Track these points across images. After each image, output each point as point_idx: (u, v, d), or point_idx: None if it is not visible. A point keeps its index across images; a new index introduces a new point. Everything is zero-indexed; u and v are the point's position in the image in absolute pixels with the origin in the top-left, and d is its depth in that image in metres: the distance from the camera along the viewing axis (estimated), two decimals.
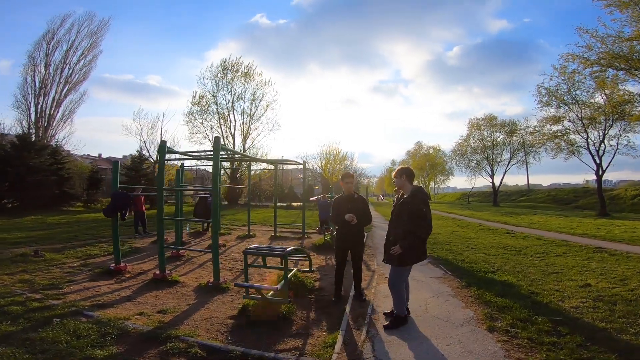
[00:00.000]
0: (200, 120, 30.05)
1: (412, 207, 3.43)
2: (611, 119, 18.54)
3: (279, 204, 31.53)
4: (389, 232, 3.72)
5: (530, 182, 47.73)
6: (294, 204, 30.04)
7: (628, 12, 13.14)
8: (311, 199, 16.08)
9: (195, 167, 30.80)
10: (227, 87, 30.72)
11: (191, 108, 30.08)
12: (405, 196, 3.58)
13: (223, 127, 30.75)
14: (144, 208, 10.66)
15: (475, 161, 35.31)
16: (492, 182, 34.63)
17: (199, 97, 30.24)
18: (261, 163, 22.30)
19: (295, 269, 5.24)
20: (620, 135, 19.32)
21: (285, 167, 41.00)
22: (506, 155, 33.91)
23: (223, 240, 9.92)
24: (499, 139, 34.09)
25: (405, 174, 3.64)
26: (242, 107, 31.23)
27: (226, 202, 31.26)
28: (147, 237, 10.49)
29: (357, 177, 51.28)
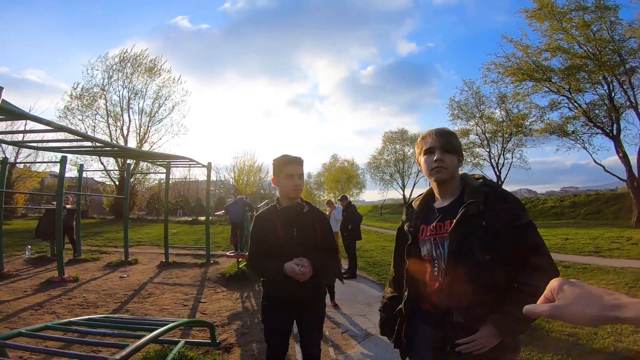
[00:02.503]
0: (81, 118, 24.00)
1: (513, 225, 1.25)
2: (510, 133, 20.22)
3: (182, 219, 27.19)
4: (427, 294, 1.39)
5: None
6: (202, 218, 25.96)
7: (546, 24, 14.17)
8: (216, 213, 12.73)
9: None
10: (124, 82, 25.39)
11: (70, 103, 23.79)
12: (471, 200, 1.30)
13: (112, 127, 25.13)
14: None
15: (388, 174, 36.61)
16: (403, 194, 36.18)
17: (82, 89, 24.15)
18: (157, 167, 18.40)
19: (181, 342, 2.77)
20: (514, 149, 21.34)
21: (191, 176, 36.46)
22: (415, 168, 35.65)
23: (79, 270, 6.58)
24: (409, 153, 35.80)
25: (452, 141, 1.41)
26: (140, 105, 26.09)
27: (112, 217, 25.51)
28: None
29: (271, 190, 48.77)
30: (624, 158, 14.19)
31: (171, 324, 2.02)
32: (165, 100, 26.77)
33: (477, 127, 21.99)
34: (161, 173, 19.97)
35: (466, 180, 1.41)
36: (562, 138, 16.58)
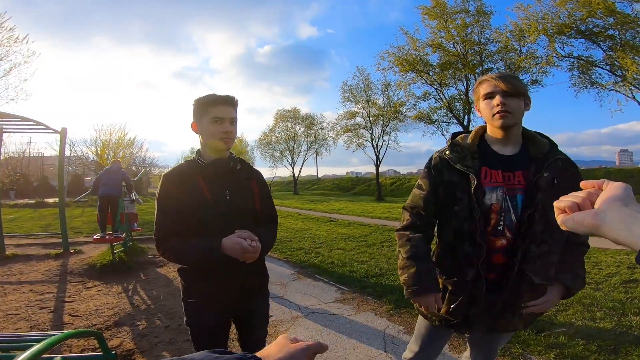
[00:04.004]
0: None
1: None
2: (389, 118, 22.51)
3: (22, 202, 21.44)
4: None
5: (311, 173, 54.92)
6: (50, 200, 20.89)
7: (435, 22, 15.94)
8: (80, 198, 9.40)
9: None
10: None
11: None
12: (559, 157, 1.23)
13: None
14: None
15: (279, 151, 36.51)
16: (293, 172, 36.78)
17: None
18: None
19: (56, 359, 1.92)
20: (390, 133, 23.95)
21: (32, 149, 28.91)
22: (305, 147, 36.53)
23: None
24: (299, 131, 36.32)
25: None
26: None
27: None
28: None
29: (148, 167, 42.99)
30: None
31: (41, 344, 1.22)
32: (0, 60, 20.12)
33: (364, 111, 23.85)
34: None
35: (526, 132, 1.31)
36: (428, 125, 19.50)
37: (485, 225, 1.22)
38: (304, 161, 36.74)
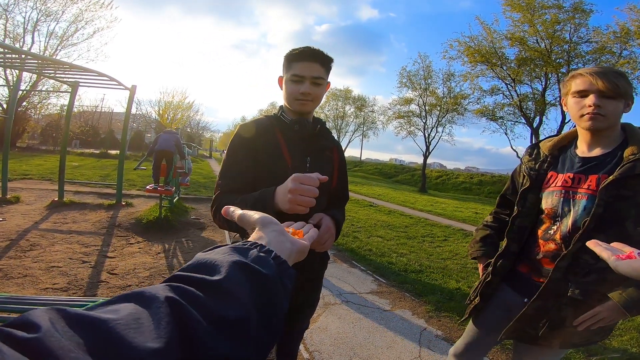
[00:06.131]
0: None
1: None
2: (447, 109, 21.27)
3: (88, 151, 23.49)
4: (533, 255, 1.22)
5: (354, 154, 54.19)
6: (113, 152, 22.60)
7: (519, 15, 14.48)
8: (140, 165, 8.13)
9: None
10: (36, 3, 19.77)
11: None
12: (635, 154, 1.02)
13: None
14: None
15: None
16: None
17: None
18: (60, 90, 14.91)
19: None
20: (445, 125, 22.61)
21: (104, 105, 31.40)
22: (352, 127, 36.26)
23: None
24: (349, 112, 35.98)
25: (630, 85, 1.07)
26: (51, 28, 20.79)
27: None
28: None
29: (200, 130, 45.05)
30: None
31: None
32: (86, 24, 21.79)
33: (420, 99, 22.73)
34: (64, 94, 16.35)
35: (631, 131, 1.10)
36: (490, 122, 18.07)
37: (535, 228, 1.21)
38: (349, 141, 36.48)
